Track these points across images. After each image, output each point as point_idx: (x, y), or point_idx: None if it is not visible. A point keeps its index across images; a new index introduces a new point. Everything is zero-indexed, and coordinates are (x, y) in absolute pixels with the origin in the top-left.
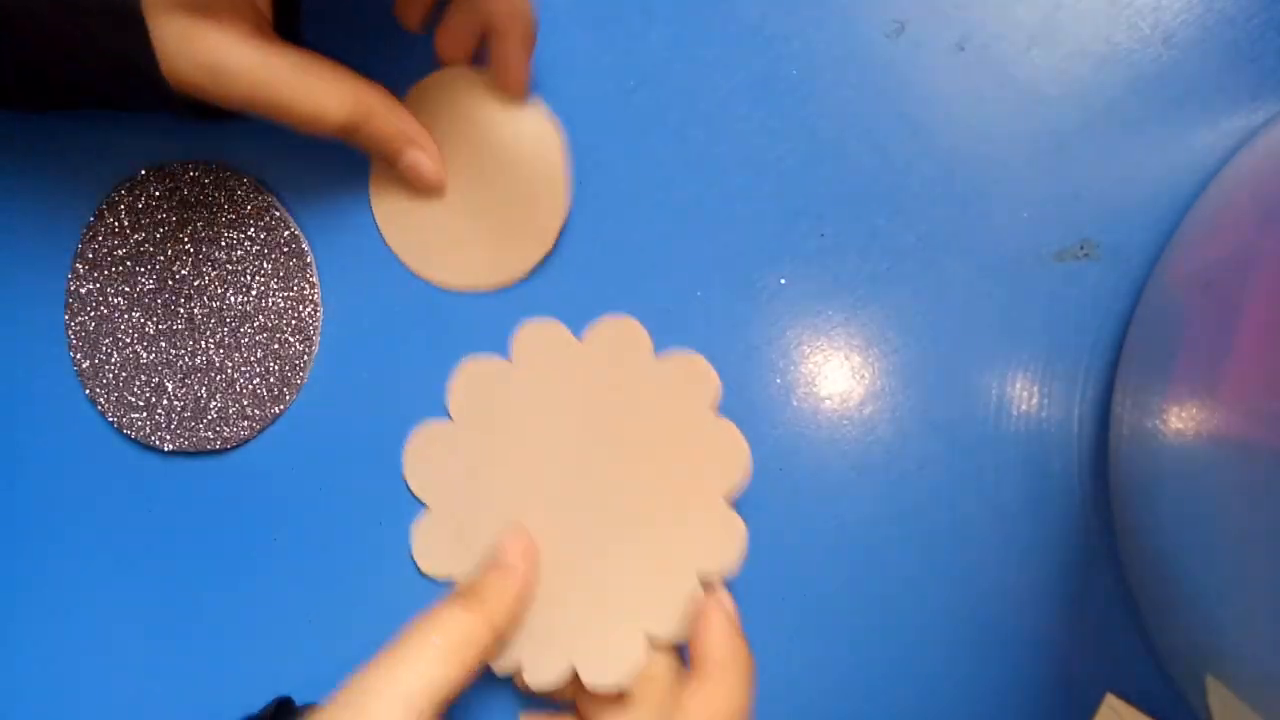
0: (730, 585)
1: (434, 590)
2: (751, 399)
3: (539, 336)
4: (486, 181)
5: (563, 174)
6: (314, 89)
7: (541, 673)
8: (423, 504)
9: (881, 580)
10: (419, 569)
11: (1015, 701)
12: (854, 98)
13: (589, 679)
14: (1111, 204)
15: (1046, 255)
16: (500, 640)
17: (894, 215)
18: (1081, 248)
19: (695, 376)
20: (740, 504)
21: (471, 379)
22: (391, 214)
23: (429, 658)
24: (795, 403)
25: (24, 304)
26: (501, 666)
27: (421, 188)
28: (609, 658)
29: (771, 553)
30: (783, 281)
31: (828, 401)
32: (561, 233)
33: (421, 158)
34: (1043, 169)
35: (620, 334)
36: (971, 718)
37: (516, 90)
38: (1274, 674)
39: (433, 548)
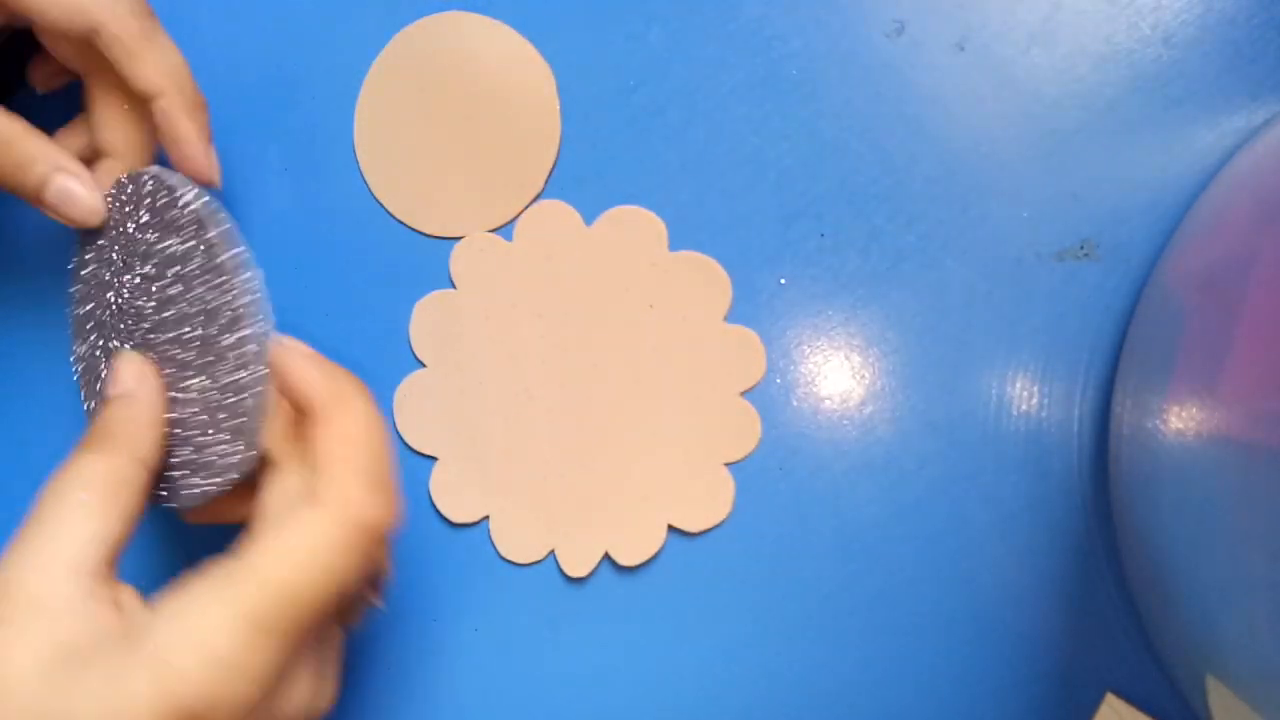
0: (732, 585)
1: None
2: (751, 399)
3: (545, 217)
4: (475, 126)
5: (553, 116)
6: None
7: (577, 564)
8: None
9: (881, 580)
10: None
11: (1015, 701)
12: (854, 98)
13: (624, 562)
14: (1111, 204)
15: (1046, 255)
16: (152, 473)
17: (894, 215)
18: (1081, 248)
19: (709, 278)
20: (740, 504)
21: (472, 254)
22: (377, 162)
23: (81, 516)
24: (795, 403)
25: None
26: (529, 556)
27: (71, 218)
28: (640, 543)
29: (771, 552)
30: (783, 281)
31: (828, 401)
32: (550, 177)
33: (71, 185)
34: (1043, 169)
35: (634, 223)
36: (971, 717)
37: (203, 171)
38: (1274, 674)
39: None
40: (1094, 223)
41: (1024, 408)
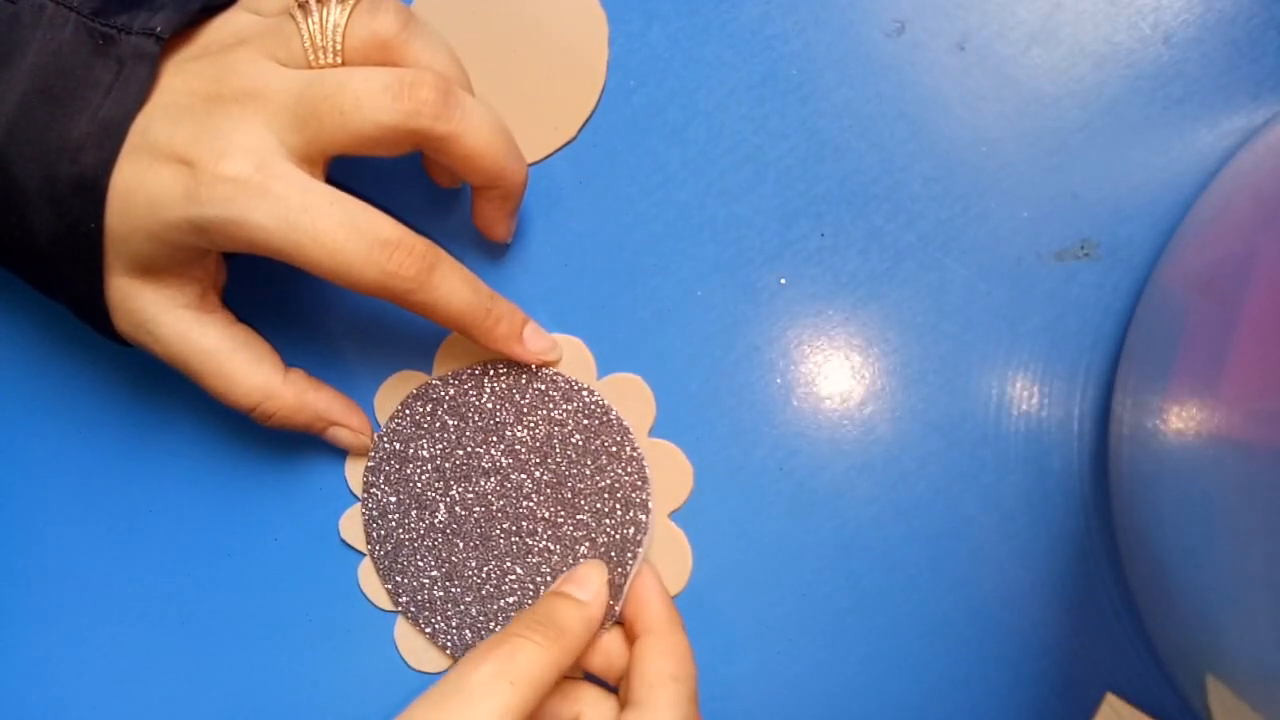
0: (732, 586)
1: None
2: (751, 399)
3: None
4: (521, 60)
5: (601, 64)
6: (225, 373)
7: None
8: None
9: (882, 580)
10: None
11: (1015, 701)
12: (854, 98)
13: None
14: (1111, 204)
15: (1046, 255)
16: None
17: (894, 215)
18: (1081, 248)
19: (636, 397)
20: (740, 505)
21: (398, 395)
22: None
23: (502, 699)
24: (795, 403)
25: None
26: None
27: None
28: None
29: (772, 553)
30: (783, 281)
31: (828, 401)
32: (585, 125)
33: (341, 434)
34: (1043, 169)
35: (566, 355)
36: (971, 717)
37: (498, 238)
38: (1274, 674)
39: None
40: (1094, 223)
41: (1024, 408)
